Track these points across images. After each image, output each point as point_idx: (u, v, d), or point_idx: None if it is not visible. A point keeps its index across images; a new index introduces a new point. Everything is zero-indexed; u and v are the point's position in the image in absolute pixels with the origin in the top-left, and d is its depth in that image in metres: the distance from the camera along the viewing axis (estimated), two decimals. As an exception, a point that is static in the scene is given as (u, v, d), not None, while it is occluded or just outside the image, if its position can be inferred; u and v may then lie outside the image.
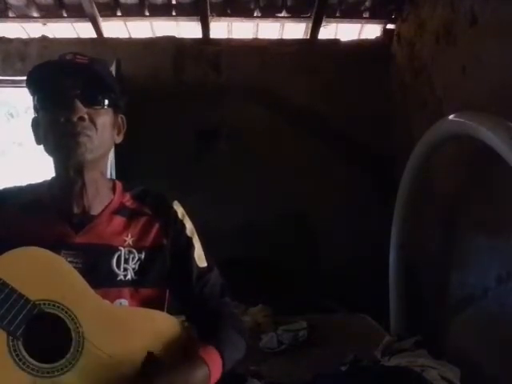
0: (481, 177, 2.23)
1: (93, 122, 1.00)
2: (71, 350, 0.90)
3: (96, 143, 1.00)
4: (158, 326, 1.01)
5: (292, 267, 3.11)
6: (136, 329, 0.98)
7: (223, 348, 1.02)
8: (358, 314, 2.88)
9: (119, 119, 1.10)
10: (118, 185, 1.13)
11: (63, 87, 0.99)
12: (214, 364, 0.99)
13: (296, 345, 2.50)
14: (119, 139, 1.12)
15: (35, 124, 1.05)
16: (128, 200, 1.12)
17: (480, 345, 2.17)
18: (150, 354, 0.95)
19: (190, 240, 1.13)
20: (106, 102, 1.04)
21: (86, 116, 0.99)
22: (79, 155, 0.99)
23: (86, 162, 1.01)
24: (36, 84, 1.02)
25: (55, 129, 0.99)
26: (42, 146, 1.05)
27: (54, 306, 0.90)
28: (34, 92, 1.03)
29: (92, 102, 1.01)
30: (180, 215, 1.13)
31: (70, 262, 0.98)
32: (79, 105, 0.98)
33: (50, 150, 1.03)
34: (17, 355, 0.86)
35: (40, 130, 1.03)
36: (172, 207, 1.13)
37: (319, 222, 3.25)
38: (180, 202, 1.17)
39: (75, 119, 0.97)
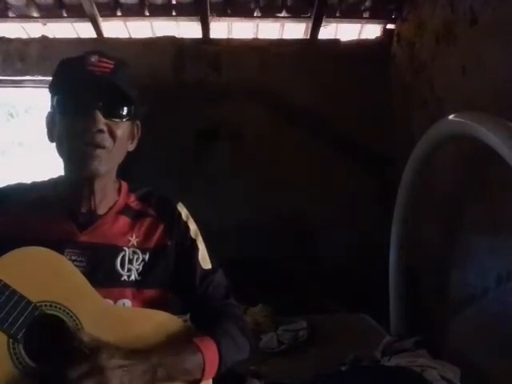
0: (481, 177, 2.23)
1: (111, 133, 1.00)
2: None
3: (111, 155, 1.01)
4: (161, 327, 1.01)
5: (292, 267, 3.11)
6: (138, 330, 0.97)
7: (220, 339, 1.02)
8: (357, 314, 2.88)
9: (135, 127, 1.10)
10: (124, 185, 1.14)
11: (85, 97, 0.97)
12: (209, 352, 0.99)
13: (296, 345, 2.50)
14: (132, 147, 1.11)
15: (51, 121, 1.04)
16: (133, 201, 1.12)
17: (480, 345, 2.17)
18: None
19: (194, 242, 1.13)
20: (126, 114, 1.03)
21: (105, 128, 0.98)
22: (93, 168, 0.98)
23: (98, 175, 1.01)
24: (57, 88, 1.01)
25: (72, 137, 0.98)
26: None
27: (55, 307, 0.90)
28: (54, 94, 1.02)
29: (112, 114, 1.00)
30: (184, 217, 1.13)
31: (73, 260, 0.98)
32: (99, 117, 0.97)
33: (63, 155, 1.02)
34: (17, 358, 0.85)
35: (55, 130, 1.02)
36: (176, 209, 1.14)
37: (319, 222, 3.25)
38: (180, 202, 1.17)
39: (94, 130, 0.97)
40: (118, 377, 0.85)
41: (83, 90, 0.98)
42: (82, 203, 1.04)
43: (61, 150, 1.02)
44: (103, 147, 0.99)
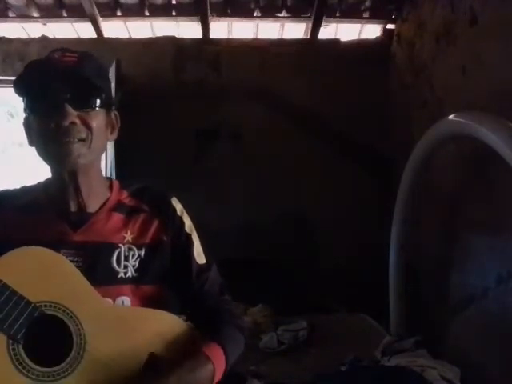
0: (481, 177, 2.23)
1: (85, 124, 0.98)
2: (72, 352, 0.89)
3: (90, 146, 0.99)
4: (161, 326, 1.00)
5: (292, 267, 3.11)
6: (138, 329, 0.97)
7: (226, 344, 1.02)
8: (358, 314, 2.88)
9: (112, 116, 1.08)
10: (115, 183, 1.13)
11: (52, 91, 0.96)
12: (218, 360, 0.99)
13: (296, 345, 2.51)
14: (113, 137, 1.10)
15: (27, 125, 1.03)
16: (126, 197, 1.11)
17: (480, 345, 2.17)
18: (151, 356, 0.95)
19: (189, 237, 1.12)
20: (97, 103, 1.01)
21: (77, 120, 0.97)
22: (72, 162, 0.98)
23: (79, 168, 1.00)
24: (24, 87, 1.00)
25: (46, 135, 0.97)
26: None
27: (55, 307, 0.89)
28: (22, 95, 1.01)
29: (82, 104, 0.98)
30: (179, 212, 1.12)
31: (69, 260, 0.97)
32: (69, 109, 0.96)
33: (42, 155, 1.02)
34: (17, 359, 0.85)
35: (32, 133, 1.02)
36: (171, 204, 1.12)
37: (319, 222, 3.25)
38: (179, 200, 1.16)
39: (66, 124, 0.96)
40: None
41: (49, 85, 0.96)
42: (70, 201, 1.03)
43: (40, 151, 1.01)
44: (80, 140, 0.97)
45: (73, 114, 0.96)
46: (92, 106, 1.00)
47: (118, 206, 1.08)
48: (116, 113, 1.10)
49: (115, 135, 1.10)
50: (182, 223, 1.12)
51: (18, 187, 1.11)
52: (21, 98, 1.02)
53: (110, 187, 1.11)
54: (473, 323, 2.27)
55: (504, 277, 2.04)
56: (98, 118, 1.01)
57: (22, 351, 0.86)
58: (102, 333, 0.92)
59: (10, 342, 0.85)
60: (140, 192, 1.13)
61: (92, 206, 1.05)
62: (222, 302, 1.13)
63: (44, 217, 1.02)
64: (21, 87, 1.00)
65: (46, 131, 0.97)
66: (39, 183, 1.10)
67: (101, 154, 1.08)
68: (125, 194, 1.11)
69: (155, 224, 1.09)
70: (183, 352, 0.99)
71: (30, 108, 1.00)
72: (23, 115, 1.04)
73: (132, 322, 0.97)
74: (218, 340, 1.02)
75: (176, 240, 1.10)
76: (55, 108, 0.96)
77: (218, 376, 0.99)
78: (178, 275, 1.11)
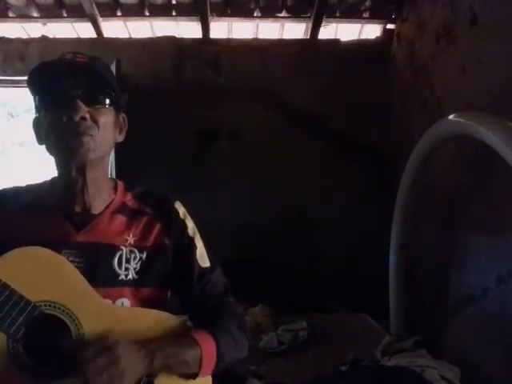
0: (481, 177, 2.23)
1: (95, 120, 1.00)
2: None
3: (98, 142, 1.00)
4: (161, 326, 1.01)
5: (292, 267, 3.11)
6: (138, 329, 0.97)
7: (218, 335, 1.02)
8: (358, 314, 2.88)
9: (120, 118, 1.11)
10: (120, 184, 1.13)
11: (64, 88, 0.99)
12: (206, 346, 0.98)
13: (296, 345, 2.51)
14: (121, 138, 1.12)
15: (37, 124, 1.05)
16: (130, 200, 1.11)
17: (480, 345, 2.17)
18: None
19: (191, 240, 1.12)
20: (107, 100, 1.04)
21: (87, 115, 0.99)
22: (81, 155, 0.99)
23: (88, 162, 1.01)
24: (37, 85, 1.02)
25: (57, 128, 0.99)
26: (43, 146, 1.05)
27: (54, 307, 0.90)
28: (34, 92, 1.03)
29: (93, 101, 1.01)
30: (182, 215, 1.13)
31: (71, 261, 0.97)
32: (81, 104, 0.98)
33: (52, 150, 1.03)
34: (17, 358, 0.85)
35: (42, 130, 1.03)
36: (174, 207, 1.13)
37: (319, 221, 3.25)
38: (180, 201, 1.16)
39: (77, 119, 0.97)
40: (124, 359, 0.86)
41: (61, 82, 0.99)
42: (76, 201, 1.04)
43: (49, 146, 1.03)
44: (89, 135, 0.99)
45: (84, 109, 0.98)
46: (102, 103, 1.03)
47: (122, 208, 1.09)
48: (124, 115, 1.12)
49: (123, 136, 1.13)
50: (185, 226, 1.12)
51: (23, 185, 1.12)
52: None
53: (115, 188, 1.12)
54: (473, 323, 2.27)
55: (504, 277, 2.04)
56: (106, 116, 1.04)
57: (22, 350, 0.86)
58: (102, 333, 0.92)
59: (10, 341, 0.86)
60: (144, 194, 1.13)
61: (97, 207, 1.06)
62: (224, 304, 1.13)
63: (47, 216, 1.03)
64: (33, 84, 1.02)
65: (58, 125, 0.99)
66: (44, 182, 1.11)
67: (108, 153, 1.09)
68: (129, 196, 1.12)
69: (158, 227, 1.09)
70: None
71: (42, 104, 1.03)
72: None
73: (131, 322, 0.97)
74: (211, 330, 1.02)
75: (178, 243, 1.10)
76: (67, 103, 0.98)
77: (208, 363, 0.99)
78: (180, 278, 1.11)
